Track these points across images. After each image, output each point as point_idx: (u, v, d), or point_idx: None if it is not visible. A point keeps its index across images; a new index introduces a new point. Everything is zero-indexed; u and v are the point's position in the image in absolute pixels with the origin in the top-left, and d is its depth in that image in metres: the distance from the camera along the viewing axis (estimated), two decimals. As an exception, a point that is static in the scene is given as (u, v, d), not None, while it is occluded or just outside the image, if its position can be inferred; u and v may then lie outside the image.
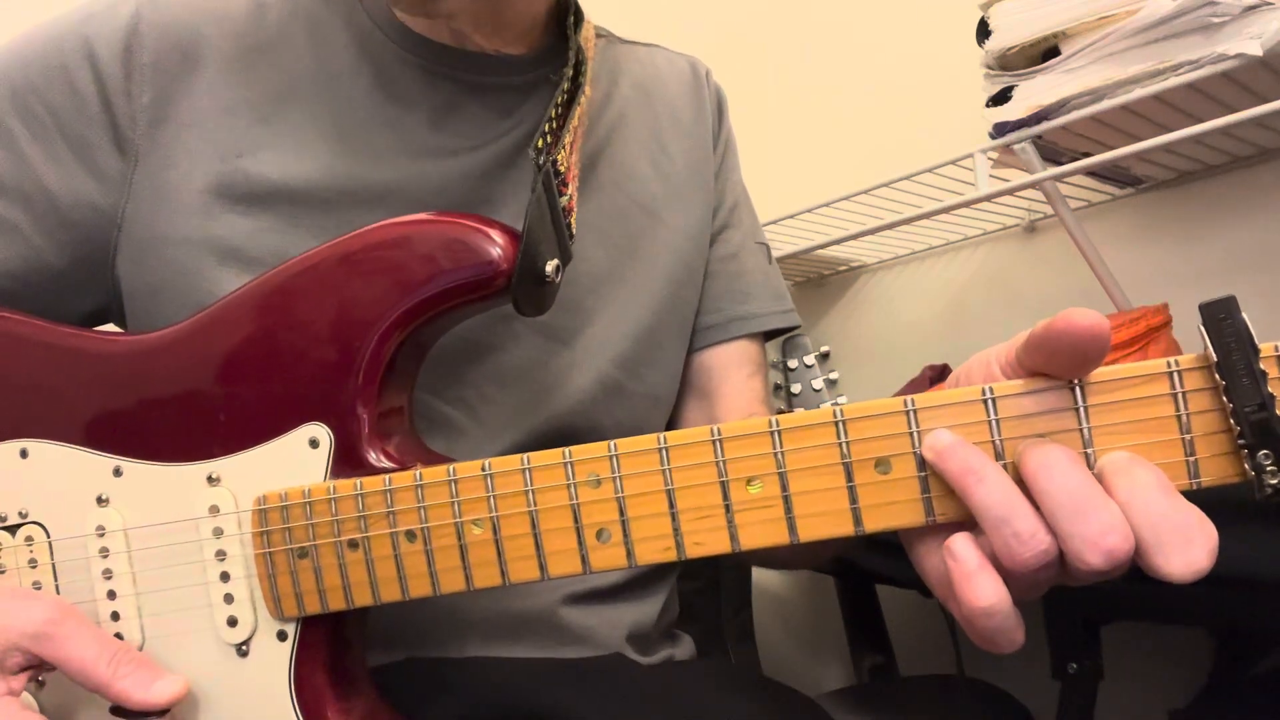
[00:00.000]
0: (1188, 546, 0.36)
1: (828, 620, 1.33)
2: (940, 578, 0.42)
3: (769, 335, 0.81)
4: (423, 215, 0.52)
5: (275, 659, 0.50)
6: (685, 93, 0.80)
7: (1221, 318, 0.38)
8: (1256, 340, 0.37)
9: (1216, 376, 0.38)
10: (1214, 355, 0.38)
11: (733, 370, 0.78)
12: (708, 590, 1.10)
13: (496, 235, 0.51)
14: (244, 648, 0.51)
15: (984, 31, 0.92)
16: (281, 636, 0.50)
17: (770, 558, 0.77)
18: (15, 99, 0.61)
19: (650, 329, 0.70)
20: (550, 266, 0.55)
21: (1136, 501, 0.37)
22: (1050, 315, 0.40)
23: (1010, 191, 0.98)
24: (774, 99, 1.48)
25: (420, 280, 0.50)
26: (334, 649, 0.51)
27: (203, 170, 0.60)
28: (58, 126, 0.61)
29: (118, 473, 0.53)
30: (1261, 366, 0.37)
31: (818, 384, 1.23)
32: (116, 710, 0.47)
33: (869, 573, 1.06)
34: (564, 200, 0.60)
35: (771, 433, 0.43)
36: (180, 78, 0.62)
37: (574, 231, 0.62)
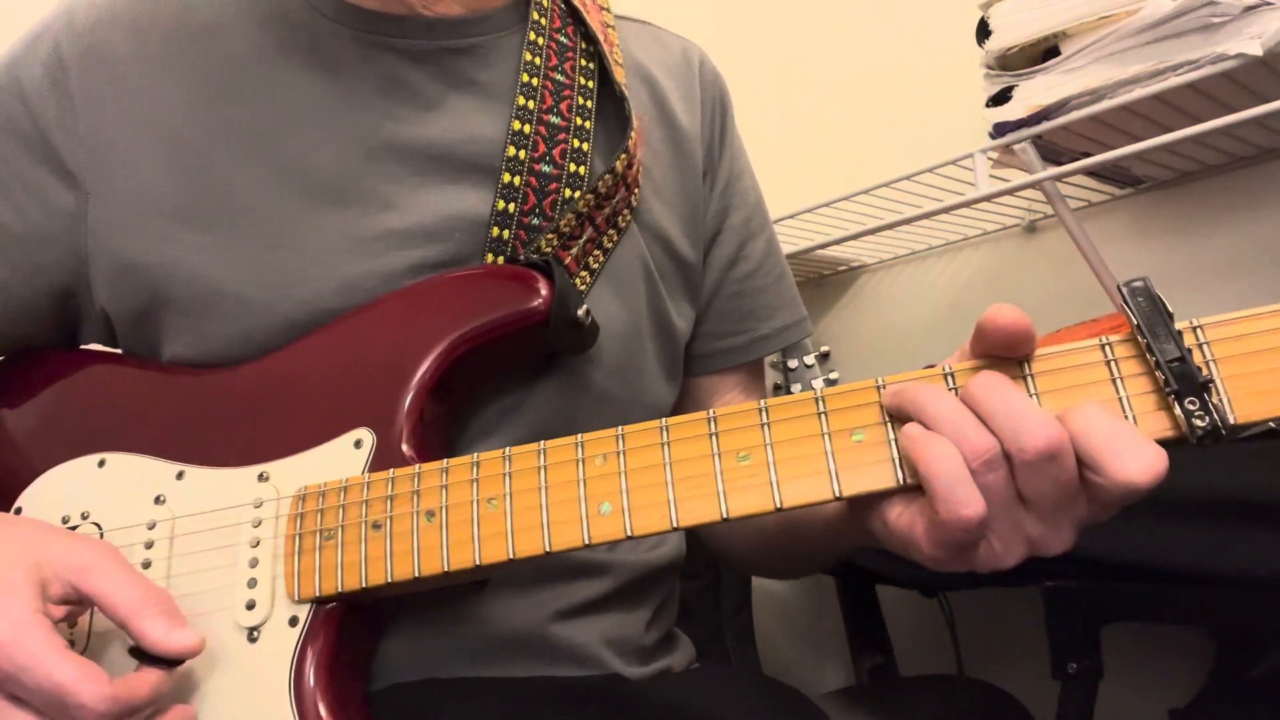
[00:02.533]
0: (1139, 450, 0.40)
1: (828, 620, 1.33)
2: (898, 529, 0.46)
3: None
4: (480, 267, 0.61)
5: (282, 646, 0.52)
6: (676, 84, 0.74)
7: (1139, 290, 0.44)
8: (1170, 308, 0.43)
9: (1140, 338, 0.43)
10: (1136, 320, 0.43)
11: (740, 390, 0.77)
12: (708, 590, 1.10)
13: (540, 284, 0.59)
14: (255, 633, 0.53)
15: (984, 31, 0.92)
16: (292, 623, 0.52)
17: (779, 560, 0.75)
18: None
19: (634, 332, 0.67)
20: (581, 311, 0.59)
21: (1080, 415, 0.42)
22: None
23: (1010, 191, 0.98)
24: (773, 99, 1.48)
25: (472, 312, 0.58)
26: (338, 648, 0.52)
27: (154, 192, 0.60)
28: (12, 172, 0.61)
29: (180, 476, 0.58)
30: (1177, 328, 0.43)
31: (818, 384, 1.23)
32: (134, 650, 0.49)
33: (869, 573, 1.06)
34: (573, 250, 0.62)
35: (760, 409, 0.48)
36: (111, 100, 0.60)
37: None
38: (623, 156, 0.64)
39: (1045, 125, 0.88)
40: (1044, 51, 0.90)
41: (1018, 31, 0.89)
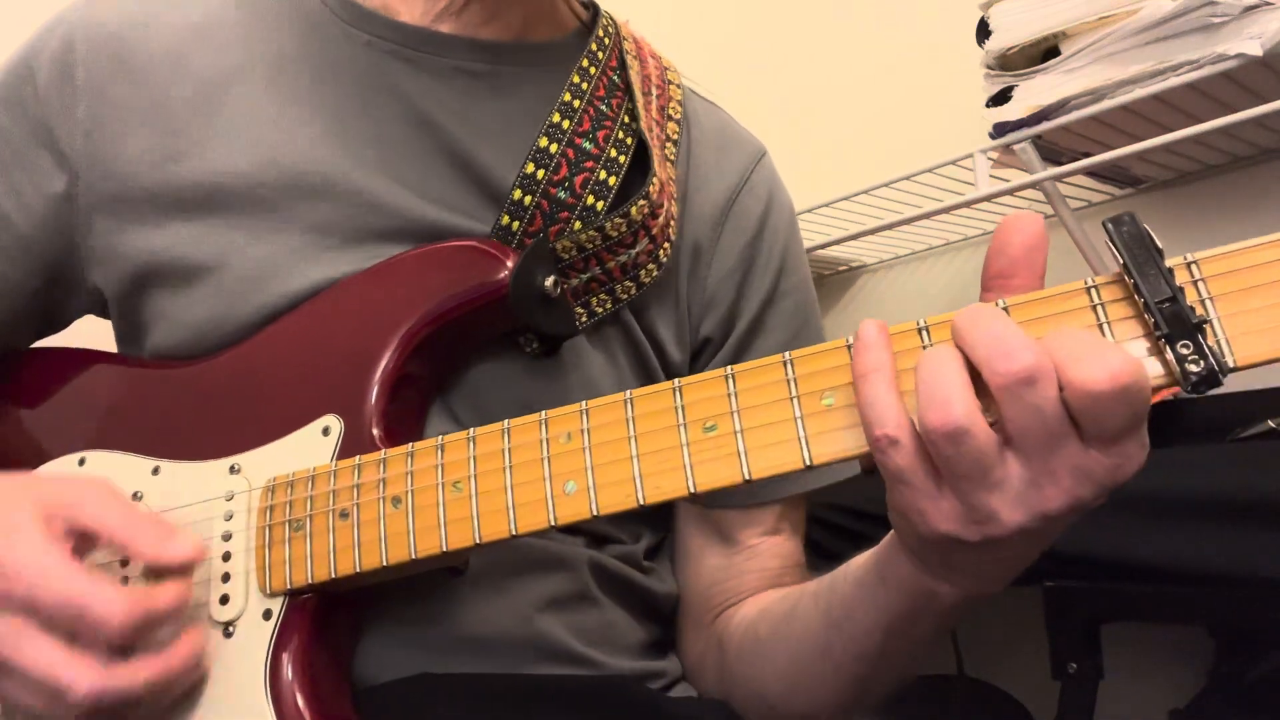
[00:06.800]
0: (1102, 354, 0.37)
1: (828, 620, 1.33)
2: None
3: None
4: (445, 242, 0.59)
5: (257, 640, 0.52)
6: (710, 174, 0.69)
7: (1126, 226, 0.41)
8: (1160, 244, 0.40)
9: (1127, 279, 0.40)
10: (1122, 258, 0.40)
11: (787, 524, 0.68)
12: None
13: (505, 258, 0.57)
14: (230, 628, 0.53)
15: (984, 31, 0.92)
16: (266, 616, 0.52)
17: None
18: None
19: (619, 386, 0.64)
20: (549, 282, 0.57)
21: (1052, 335, 0.39)
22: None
23: (1010, 191, 0.98)
24: (773, 99, 1.48)
25: (433, 290, 0.57)
26: (313, 640, 0.52)
27: (143, 179, 0.60)
28: (13, 155, 0.62)
29: (155, 471, 0.58)
30: (1168, 265, 0.40)
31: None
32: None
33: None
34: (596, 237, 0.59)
35: (727, 377, 0.46)
36: (113, 87, 0.61)
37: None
38: (641, 203, 0.61)
39: (1045, 125, 0.88)
40: (1044, 51, 0.90)
41: (1018, 31, 0.89)
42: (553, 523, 0.47)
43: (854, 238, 1.15)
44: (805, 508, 0.71)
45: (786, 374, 0.45)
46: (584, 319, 0.62)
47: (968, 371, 0.40)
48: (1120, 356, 0.37)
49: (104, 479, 0.53)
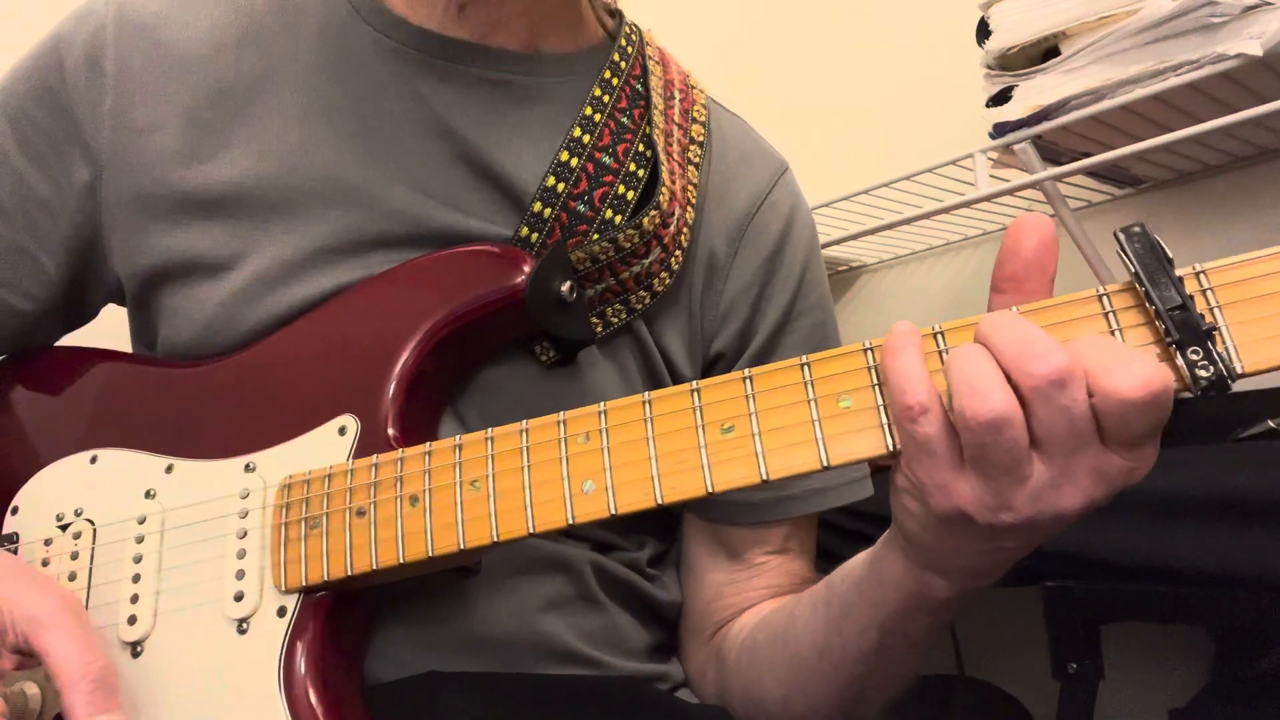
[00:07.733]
0: (1131, 364, 0.38)
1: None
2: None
3: None
4: (464, 246, 0.60)
5: (271, 636, 0.52)
6: (728, 185, 0.69)
7: (1137, 237, 0.42)
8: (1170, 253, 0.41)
9: (1139, 287, 0.41)
10: (1134, 267, 0.41)
11: (794, 543, 0.68)
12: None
13: (523, 262, 0.57)
14: (245, 625, 0.53)
15: (984, 31, 0.92)
16: (280, 613, 0.53)
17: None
18: (9, 122, 0.62)
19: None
20: (565, 287, 0.57)
21: (1078, 341, 0.40)
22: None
23: (1010, 191, 0.98)
24: (773, 99, 1.48)
25: (451, 293, 0.57)
26: (327, 637, 0.53)
27: (166, 178, 0.61)
28: (48, 143, 0.62)
29: (169, 469, 0.59)
30: (1178, 274, 0.41)
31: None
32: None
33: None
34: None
35: (745, 379, 0.47)
36: (141, 84, 0.61)
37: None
38: (652, 214, 0.61)
39: (1045, 125, 0.88)
40: (1044, 51, 0.90)
41: (1018, 31, 0.89)
42: (570, 521, 0.47)
43: (854, 238, 1.14)
44: (816, 527, 0.71)
45: (804, 376, 0.46)
46: (600, 329, 0.62)
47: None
48: (1149, 364, 0.38)
49: (74, 600, 0.52)
